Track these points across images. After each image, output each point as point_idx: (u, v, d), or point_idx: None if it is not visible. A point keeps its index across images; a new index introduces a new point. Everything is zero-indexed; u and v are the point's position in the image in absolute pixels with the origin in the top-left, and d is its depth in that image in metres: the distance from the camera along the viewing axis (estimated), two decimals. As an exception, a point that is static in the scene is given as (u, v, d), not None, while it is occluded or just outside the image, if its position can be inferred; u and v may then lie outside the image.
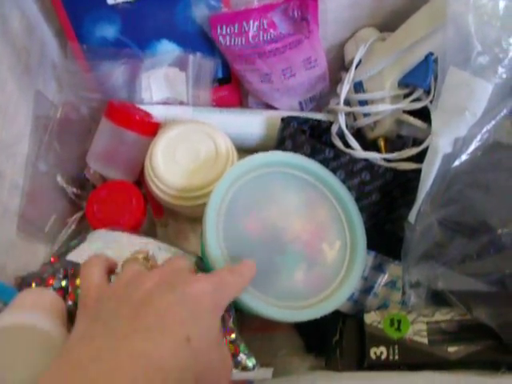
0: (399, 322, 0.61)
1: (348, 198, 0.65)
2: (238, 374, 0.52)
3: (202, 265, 0.60)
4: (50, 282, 0.55)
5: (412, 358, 0.59)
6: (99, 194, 0.69)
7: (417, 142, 0.70)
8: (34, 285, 0.56)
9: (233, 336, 0.55)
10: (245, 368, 0.53)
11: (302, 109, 0.81)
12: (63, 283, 0.54)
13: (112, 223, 0.66)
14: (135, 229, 0.68)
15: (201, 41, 0.75)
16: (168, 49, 0.75)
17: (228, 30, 0.72)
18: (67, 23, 0.71)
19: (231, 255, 0.57)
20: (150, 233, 0.75)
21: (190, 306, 0.42)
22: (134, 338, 0.38)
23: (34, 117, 0.70)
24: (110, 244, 0.59)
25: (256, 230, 0.59)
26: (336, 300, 0.61)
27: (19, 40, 0.68)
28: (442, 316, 0.60)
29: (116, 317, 0.40)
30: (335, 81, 0.79)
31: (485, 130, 0.56)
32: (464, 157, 0.57)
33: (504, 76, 0.55)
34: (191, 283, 0.43)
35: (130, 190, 0.70)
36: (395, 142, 0.73)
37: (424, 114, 0.68)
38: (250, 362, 0.54)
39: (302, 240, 0.60)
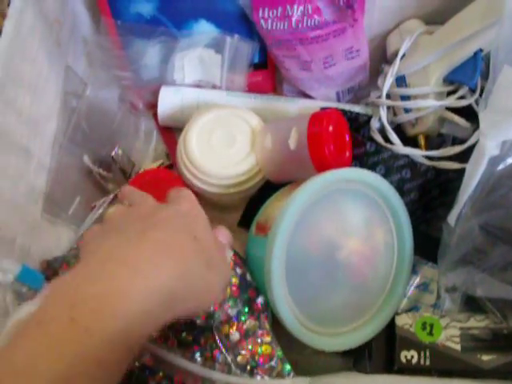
0: (431, 326, 0.60)
1: (406, 226, 0.64)
2: (272, 381, 0.53)
3: (241, 260, 0.60)
4: None
5: (444, 364, 0.59)
6: (138, 182, 0.68)
7: (456, 141, 0.69)
8: (61, 272, 0.56)
9: (268, 338, 0.55)
10: (280, 374, 0.53)
11: (338, 99, 0.80)
12: None
13: None
14: None
15: (240, 22, 0.74)
16: (205, 29, 0.75)
17: (271, 13, 0.70)
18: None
19: (288, 272, 0.56)
20: None
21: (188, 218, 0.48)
22: (153, 229, 0.44)
23: (64, 93, 0.69)
24: None
25: (314, 246, 0.59)
26: (371, 328, 0.62)
27: (51, 11, 0.68)
28: (477, 323, 0.60)
29: (128, 227, 0.46)
30: (375, 72, 0.78)
31: (535, 134, 0.54)
32: (510, 160, 0.55)
33: (562, 77, 0.53)
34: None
35: (169, 177, 0.70)
36: (434, 140, 0.72)
37: (466, 112, 0.67)
38: (286, 368, 0.54)
39: (352, 263, 0.60)
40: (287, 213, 0.55)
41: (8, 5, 0.59)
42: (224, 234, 0.54)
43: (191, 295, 0.43)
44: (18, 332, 0.36)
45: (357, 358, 0.66)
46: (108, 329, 0.35)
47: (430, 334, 0.60)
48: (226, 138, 0.69)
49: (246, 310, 0.56)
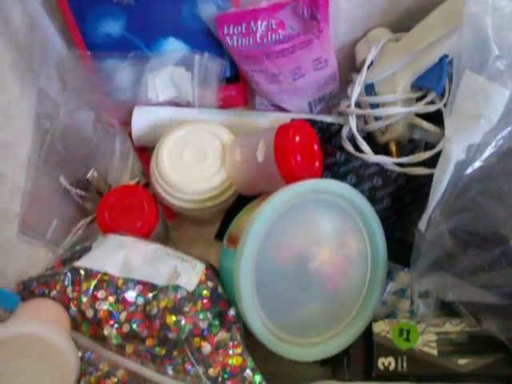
0: (408, 332, 0.62)
1: (379, 235, 0.65)
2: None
3: (212, 273, 0.62)
4: (54, 287, 0.57)
5: (421, 370, 0.60)
6: (109, 200, 0.69)
7: (429, 146, 0.71)
8: (37, 291, 0.58)
9: (239, 350, 0.57)
10: (251, 384, 0.54)
11: (311, 109, 0.82)
12: (68, 289, 0.56)
13: (124, 229, 0.66)
14: (148, 232, 0.69)
15: (208, 39, 0.76)
16: (175, 47, 0.77)
17: (235, 29, 0.73)
18: (71, 19, 0.72)
19: (258, 283, 0.58)
20: (164, 235, 0.77)
21: None
22: None
23: (37, 116, 0.71)
24: (119, 250, 0.60)
25: (285, 257, 0.60)
26: (346, 337, 0.63)
27: (21, 37, 0.70)
28: (452, 327, 0.61)
29: None
30: (345, 81, 0.80)
31: (499, 136, 0.56)
32: (477, 164, 0.57)
33: (522, 82, 0.55)
34: None
35: (140, 193, 0.70)
36: (406, 146, 0.74)
37: (437, 117, 0.69)
38: (257, 379, 0.55)
39: (325, 272, 0.61)
40: (254, 225, 0.57)
41: None
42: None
43: None
44: None
45: (335, 366, 0.67)
46: None
47: (407, 339, 0.61)
48: (197, 154, 0.71)
49: (217, 322, 0.57)
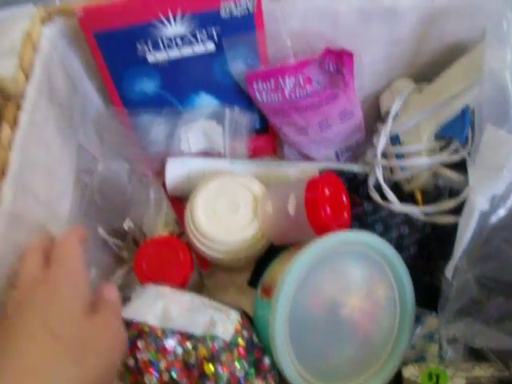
0: (437, 376, 0.62)
1: (407, 282, 0.67)
2: None
3: (247, 322, 0.64)
4: None
5: (451, 414, 0.60)
6: (146, 250, 0.72)
7: (453, 192, 0.72)
8: None
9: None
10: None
11: (337, 158, 0.85)
12: None
13: (161, 278, 0.68)
14: (184, 282, 0.71)
15: (238, 94, 0.80)
16: (206, 102, 0.81)
17: (264, 86, 0.76)
18: (109, 79, 0.76)
19: (292, 332, 0.60)
20: (198, 284, 0.79)
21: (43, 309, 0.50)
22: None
23: (77, 171, 0.75)
24: (158, 301, 0.62)
25: (317, 306, 0.62)
26: (377, 382, 0.65)
27: (64, 98, 0.74)
28: (482, 372, 0.61)
29: None
30: (371, 129, 0.82)
31: (523, 186, 0.57)
32: (502, 213, 0.59)
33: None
34: None
35: (176, 244, 0.73)
36: (431, 193, 0.75)
37: (460, 164, 0.70)
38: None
39: (355, 319, 0.63)
40: (287, 278, 0.59)
41: (23, 97, 0.65)
42: (110, 291, 0.57)
43: None
44: None
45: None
46: None
47: (437, 384, 0.62)
48: (230, 206, 0.74)
49: (253, 371, 0.59)
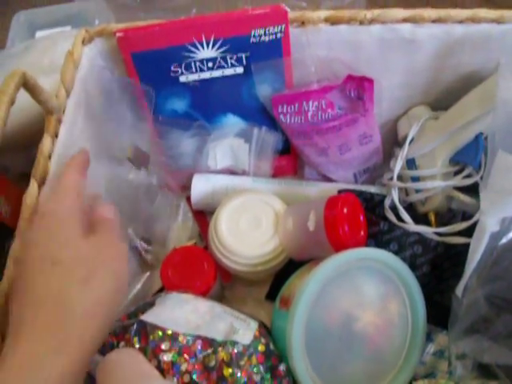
0: None
1: (419, 299, 0.68)
2: None
3: (265, 331, 0.66)
4: (123, 338, 0.61)
5: (460, 430, 0.61)
6: (173, 258, 0.76)
7: (466, 215, 0.74)
8: (107, 343, 0.64)
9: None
10: None
11: (356, 180, 0.88)
12: (135, 339, 0.60)
13: (185, 287, 0.71)
14: (206, 291, 0.74)
15: (263, 116, 0.84)
16: (233, 122, 0.85)
17: (288, 108, 0.80)
18: (142, 97, 0.80)
19: (308, 342, 0.62)
20: (219, 294, 0.82)
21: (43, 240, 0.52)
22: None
23: (109, 179, 0.78)
24: (181, 307, 0.65)
25: (332, 319, 0.64)
26: None
27: (99, 113, 0.78)
28: None
29: None
30: (388, 153, 0.86)
31: (531, 209, 0.60)
32: (511, 235, 0.61)
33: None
34: None
35: (201, 254, 0.76)
36: (445, 215, 0.77)
37: (473, 188, 0.72)
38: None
39: (368, 334, 0.65)
40: (306, 290, 0.62)
41: (63, 111, 0.69)
42: (108, 210, 0.58)
43: None
44: None
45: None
46: None
47: (446, 400, 0.63)
48: (252, 221, 0.78)
49: (269, 376, 0.61)
